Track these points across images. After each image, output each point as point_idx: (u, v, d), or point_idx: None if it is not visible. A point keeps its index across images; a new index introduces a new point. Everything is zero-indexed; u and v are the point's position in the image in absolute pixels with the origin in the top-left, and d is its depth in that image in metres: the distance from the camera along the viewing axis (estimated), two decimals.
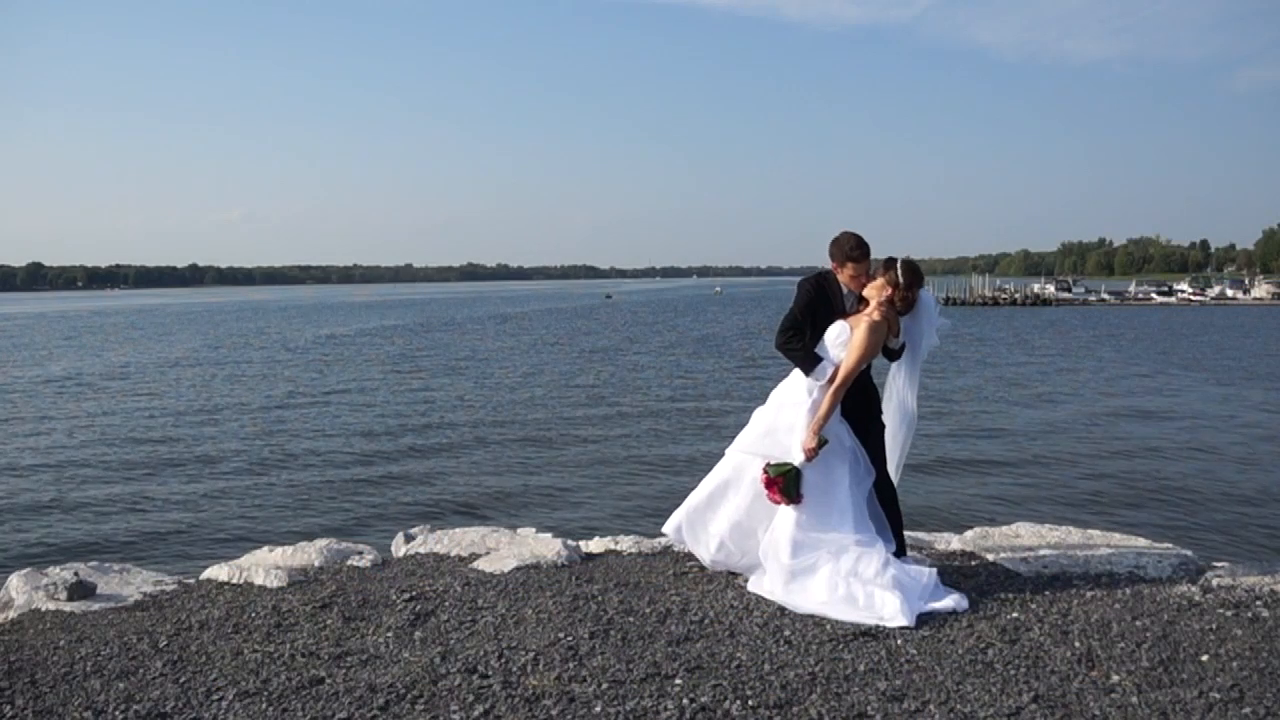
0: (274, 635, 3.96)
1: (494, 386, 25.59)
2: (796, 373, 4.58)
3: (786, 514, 4.37)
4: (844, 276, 4.58)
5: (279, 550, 5.26)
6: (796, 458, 4.36)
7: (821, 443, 4.36)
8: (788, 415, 4.51)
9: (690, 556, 4.89)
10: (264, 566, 4.92)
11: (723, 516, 4.60)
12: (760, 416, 4.65)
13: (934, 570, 4.35)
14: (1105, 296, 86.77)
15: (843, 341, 4.46)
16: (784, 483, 4.32)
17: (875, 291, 4.48)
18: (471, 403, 22.22)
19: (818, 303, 4.61)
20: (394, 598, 4.40)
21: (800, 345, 4.55)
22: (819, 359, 4.50)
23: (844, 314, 4.58)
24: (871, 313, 4.45)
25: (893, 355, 4.65)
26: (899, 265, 4.47)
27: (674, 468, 14.34)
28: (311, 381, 27.45)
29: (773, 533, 4.40)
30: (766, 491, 4.38)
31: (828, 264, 4.66)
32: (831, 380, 4.44)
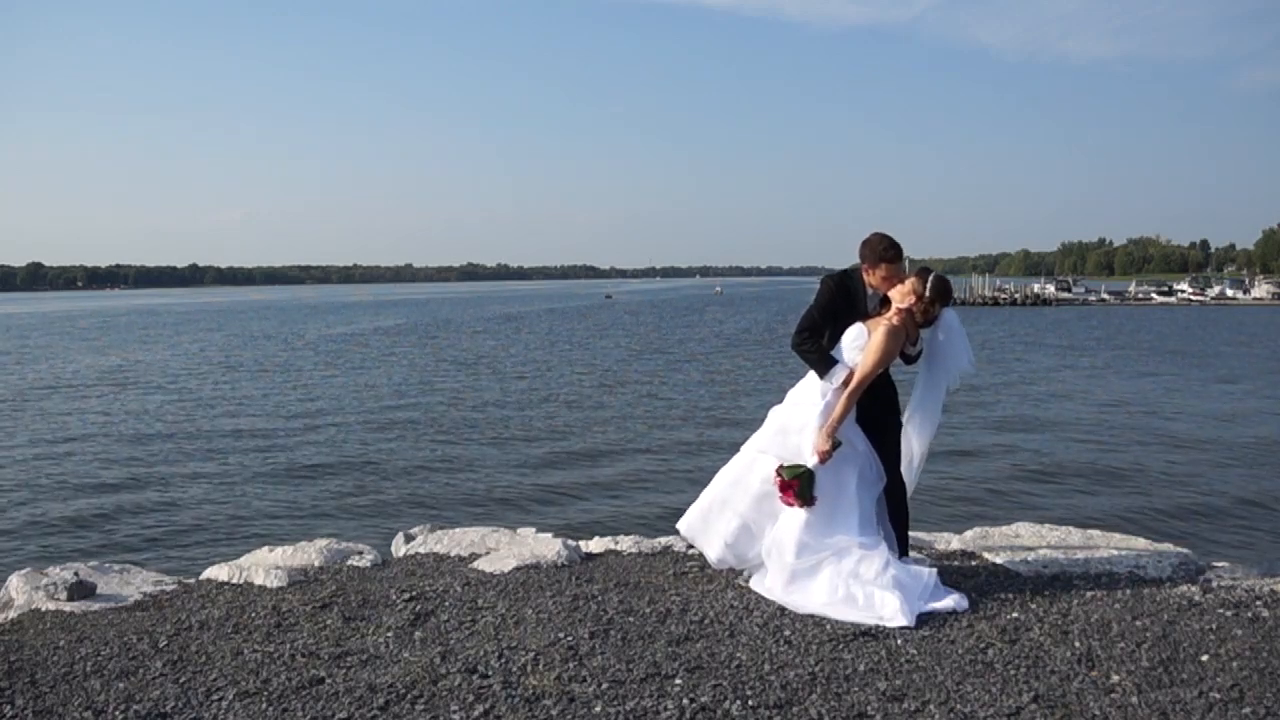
0: (274, 635, 3.96)
1: (493, 386, 25.60)
2: (813, 372, 4.51)
3: (794, 515, 4.32)
4: (875, 278, 4.45)
5: (279, 550, 5.27)
6: (809, 459, 4.31)
7: (835, 445, 4.32)
8: (801, 415, 4.45)
9: (690, 556, 4.89)
10: (264, 566, 4.92)
11: (730, 515, 4.54)
12: (775, 415, 4.60)
13: (934, 570, 4.33)
14: (1105, 296, 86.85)
15: (859, 345, 4.39)
16: (799, 485, 4.24)
17: (900, 296, 4.39)
18: (471, 403, 22.23)
19: (839, 302, 4.51)
20: (394, 598, 4.40)
21: (816, 347, 4.46)
22: (834, 362, 4.42)
23: (865, 315, 4.50)
24: (890, 317, 4.39)
25: (910, 360, 4.59)
26: (930, 278, 4.38)
27: (675, 467, 14.32)
28: (311, 381, 27.46)
29: (777, 532, 4.36)
30: (781, 494, 4.31)
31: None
32: (847, 383, 4.38)
